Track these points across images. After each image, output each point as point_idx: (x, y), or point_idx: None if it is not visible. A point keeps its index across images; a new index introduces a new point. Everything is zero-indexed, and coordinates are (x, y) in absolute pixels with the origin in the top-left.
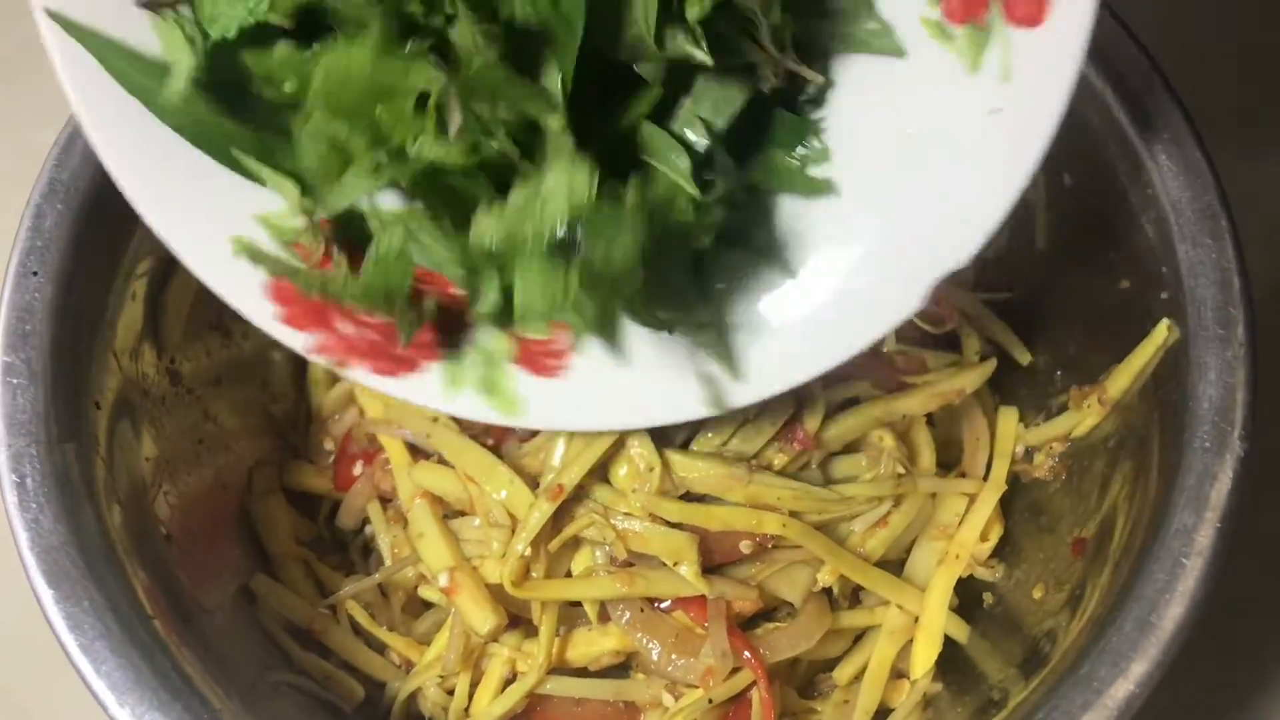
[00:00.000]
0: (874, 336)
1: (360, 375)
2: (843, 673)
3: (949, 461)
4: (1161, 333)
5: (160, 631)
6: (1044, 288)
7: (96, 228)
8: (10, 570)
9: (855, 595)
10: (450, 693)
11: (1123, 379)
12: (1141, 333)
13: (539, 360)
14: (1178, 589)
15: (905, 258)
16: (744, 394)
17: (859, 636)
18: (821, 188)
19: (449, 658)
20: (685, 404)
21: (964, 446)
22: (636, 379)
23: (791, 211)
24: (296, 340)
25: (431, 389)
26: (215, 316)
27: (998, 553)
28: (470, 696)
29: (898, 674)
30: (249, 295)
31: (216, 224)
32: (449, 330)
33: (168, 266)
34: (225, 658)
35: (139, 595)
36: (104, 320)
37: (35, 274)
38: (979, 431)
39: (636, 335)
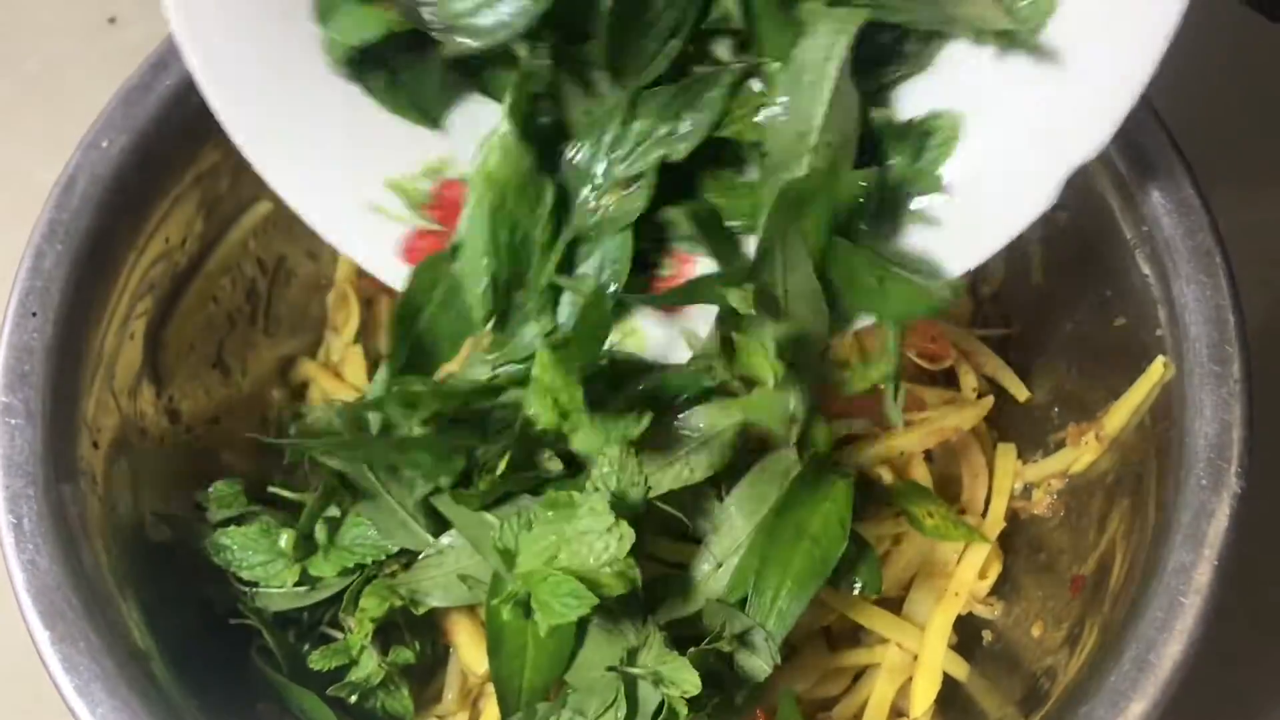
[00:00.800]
0: (1012, 233)
1: None
2: (842, 712)
3: (947, 498)
4: (1157, 370)
5: (156, 673)
6: (1041, 324)
7: (96, 268)
8: (7, 611)
9: (854, 634)
10: None
11: (1119, 416)
12: (1138, 369)
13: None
14: (1176, 627)
15: (1039, 151)
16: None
17: (858, 675)
18: None
19: (446, 697)
20: None
21: (962, 483)
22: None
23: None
24: None
25: None
26: (214, 354)
27: (996, 590)
28: None
29: (897, 713)
30: (383, 258)
31: (346, 189)
32: None
33: (167, 306)
34: (221, 693)
35: (134, 636)
36: (103, 360)
37: (34, 314)
38: (977, 468)
39: None
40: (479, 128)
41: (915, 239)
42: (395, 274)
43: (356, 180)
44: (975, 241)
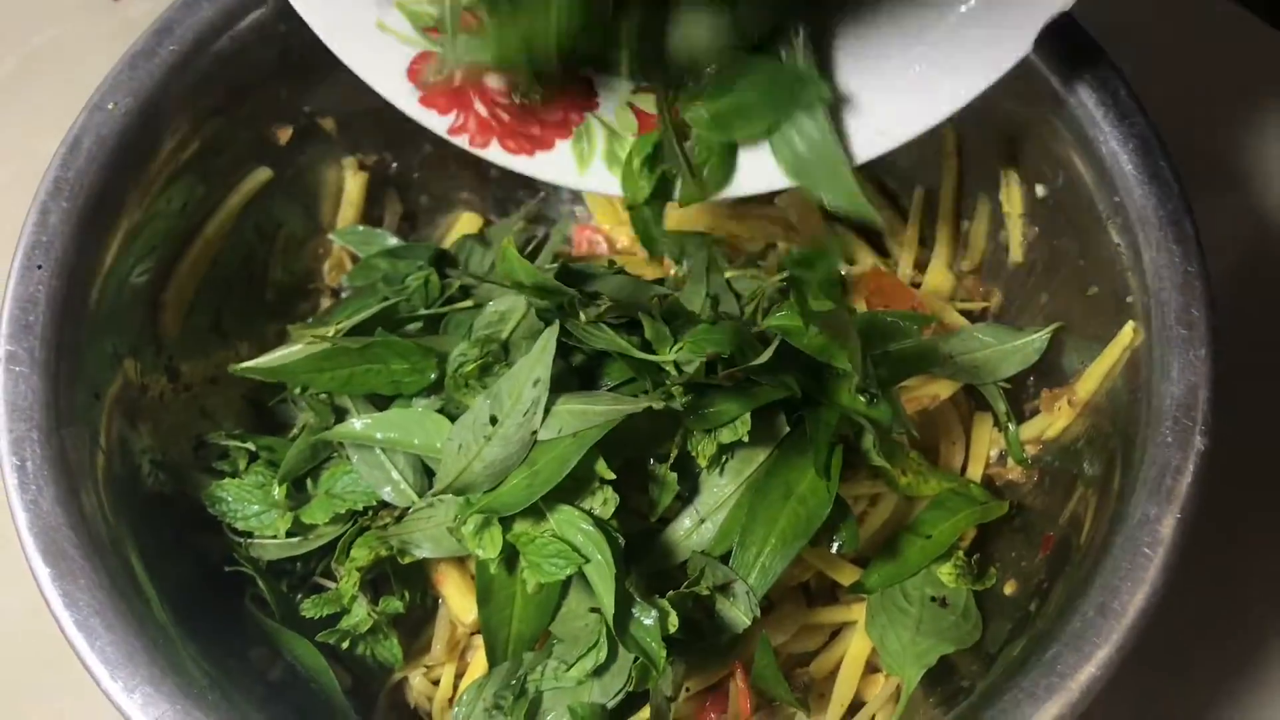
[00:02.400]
0: (986, 82)
1: (496, 155)
2: (820, 666)
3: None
4: (1127, 334)
5: (154, 610)
6: (1018, 296)
7: (99, 226)
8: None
9: (832, 592)
10: (436, 683)
11: (1091, 380)
12: (1110, 336)
13: None
14: (1140, 577)
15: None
16: (877, 145)
17: (836, 632)
18: None
19: (435, 648)
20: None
21: (939, 452)
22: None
23: None
24: (436, 122)
25: (563, 165)
26: (213, 317)
27: (972, 551)
28: (455, 687)
29: (872, 668)
30: (390, 78)
31: (358, 9)
32: (578, 109)
33: (167, 267)
34: (215, 638)
35: (135, 575)
36: (104, 315)
37: (39, 268)
38: (954, 436)
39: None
40: None
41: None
42: (400, 93)
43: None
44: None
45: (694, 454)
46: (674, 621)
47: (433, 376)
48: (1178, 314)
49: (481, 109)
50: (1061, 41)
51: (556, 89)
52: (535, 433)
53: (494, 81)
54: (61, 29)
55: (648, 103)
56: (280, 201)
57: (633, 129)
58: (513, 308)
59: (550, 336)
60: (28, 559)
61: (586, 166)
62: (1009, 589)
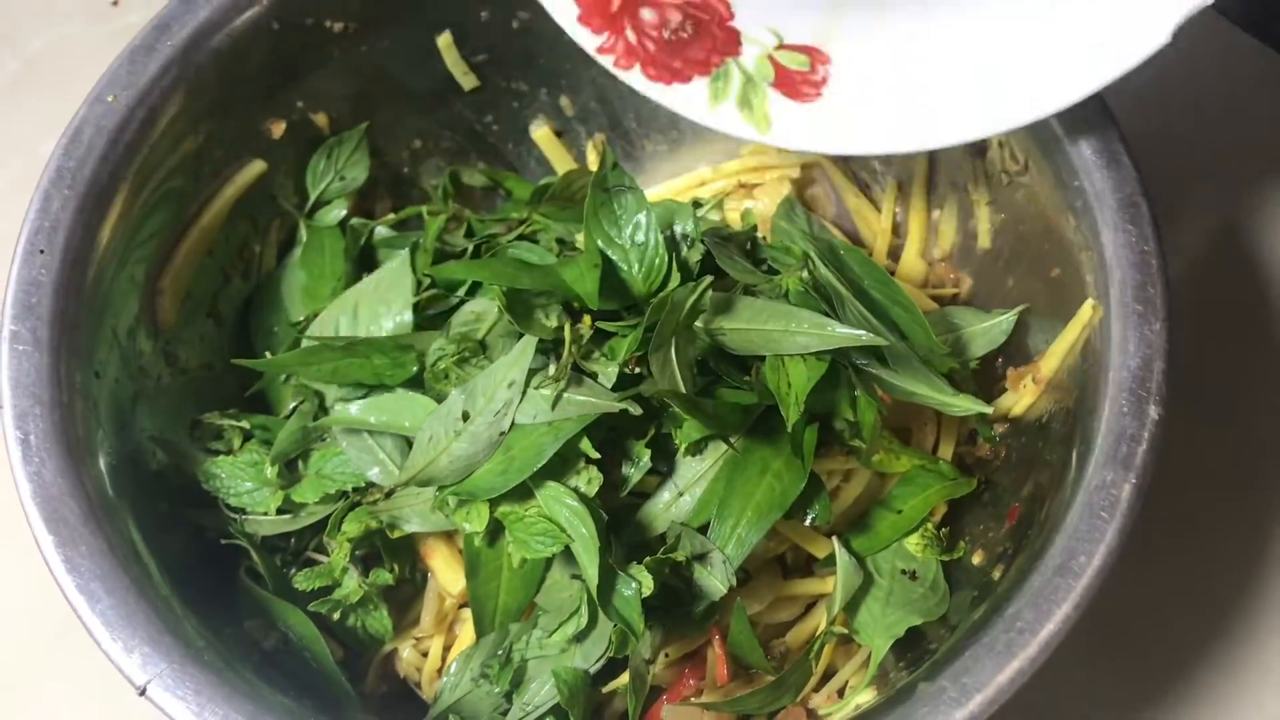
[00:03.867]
0: (1125, 68)
1: (636, 79)
2: (795, 636)
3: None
4: (1087, 311)
5: (152, 578)
6: (986, 281)
7: (98, 213)
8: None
9: (807, 566)
10: (425, 654)
11: (1054, 358)
12: (1071, 315)
13: (796, 87)
14: (1096, 538)
15: None
16: (1022, 113)
17: (811, 604)
18: None
19: (424, 619)
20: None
21: (911, 433)
22: (892, 106)
23: None
24: (587, 39)
25: (696, 100)
26: (209, 304)
27: (942, 524)
28: (443, 658)
29: (846, 639)
30: None
31: None
32: (720, 53)
33: (165, 254)
34: (212, 608)
35: (134, 545)
36: (104, 299)
37: (42, 252)
38: (925, 418)
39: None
40: None
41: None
42: (560, 6)
43: None
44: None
45: (674, 440)
46: (649, 585)
47: (414, 370)
48: (1134, 291)
49: (631, 35)
50: None
51: (706, 31)
52: (504, 434)
53: (648, 14)
54: (62, 32)
55: (790, 59)
56: (272, 195)
57: (770, 78)
58: (487, 309)
59: (529, 344)
60: (31, 527)
61: (718, 105)
62: (976, 559)
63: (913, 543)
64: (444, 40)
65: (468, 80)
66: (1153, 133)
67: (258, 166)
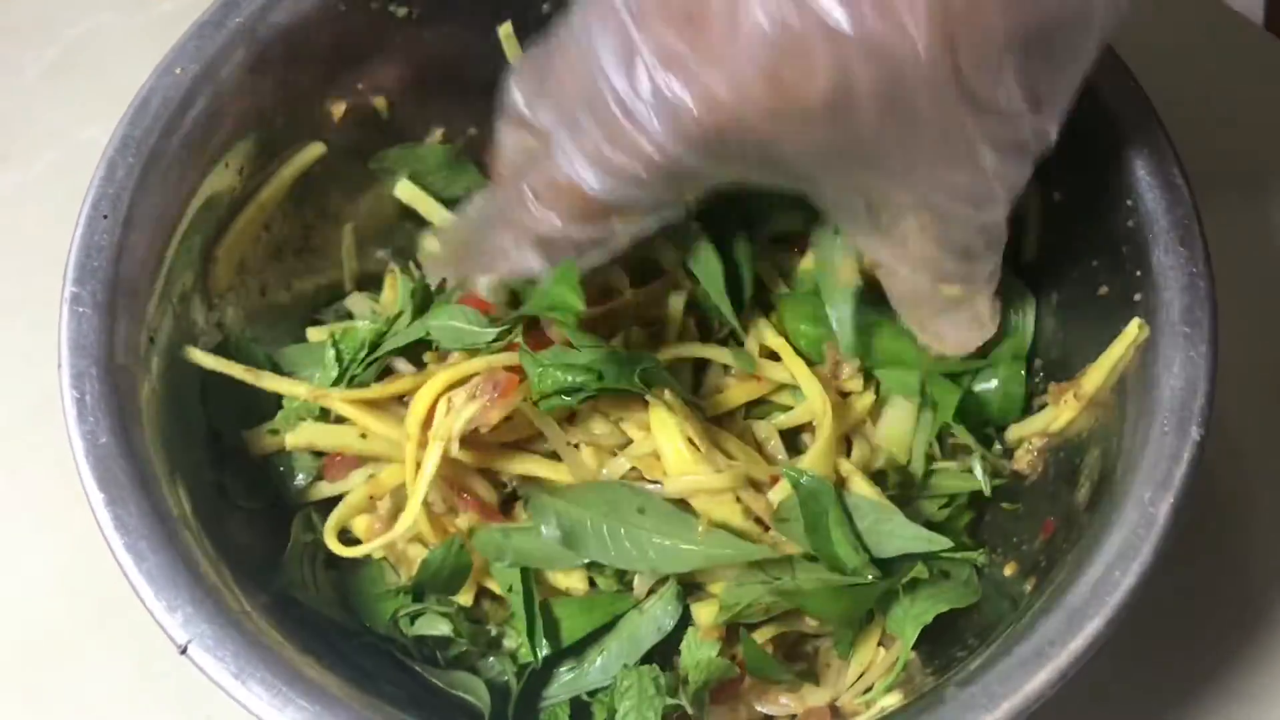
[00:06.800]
0: None
1: None
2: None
3: None
4: (1133, 331)
5: (197, 540)
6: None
7: (161, 182)
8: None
9: None
10: None
11: (1097, 375)
12: (1116, 333)
13: None
14: (1133, 556)
15: None
16: None
17: None
18: None
19: None
20: None
21: None
22: None
23: None
24: None
25: None
26: (262, 280)
27: (975, 533)
28: None
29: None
30: None
31: None
32: None
33: (222, 226)
34: (256, 568)
35: (181, 506)
36: (162, 266)
37: (105, 217)
38: None
39: None
40: None
41: None
42: None
43: None
44: None
45: None
46: None
47: None
48: (1182, 313)
49: None
50: None
51: None
52: None
53: None
54: (99, 21)
55: None
56: (330, 176)
57: None
58: None
59: None
60: (83, 485)
61: None
62: (1008, 570)
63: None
64: (505, 30)
65: None
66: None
67: (317, 149)
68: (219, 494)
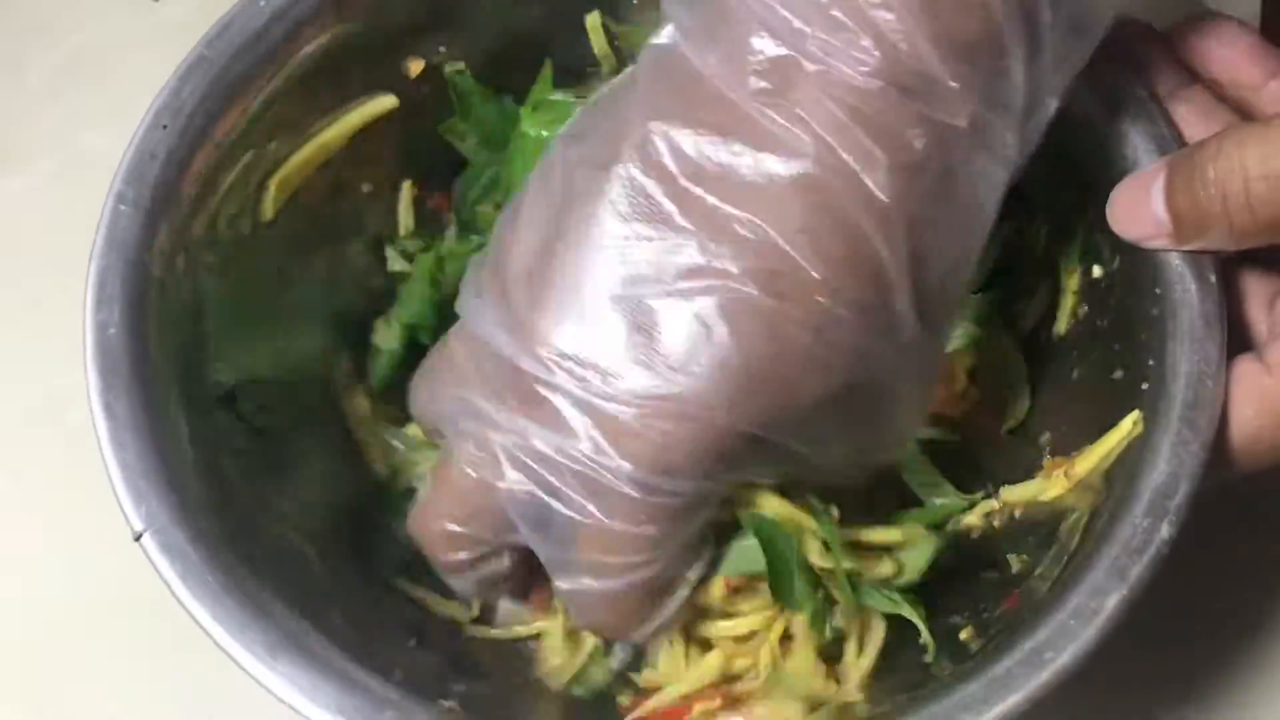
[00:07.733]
0: None
1: None
2: None
3: None
4: (1128, 425)
5: (183, 451)
6: (1052, 367)
7: (226, 103)
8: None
9: None
10: None
11: (1091, 459)
12: (1120, 419)
13: None
14: (1075, 636)
15: None
16: None
17: None
18: None
19: None
20: None
21: None
22: None
23: None
24: None
25: None
26: (308, 219)
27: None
28: None
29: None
30: None
31: None
32: None
33: (281, 158)
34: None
35: (174, 414)
36: (212, 184)
37: (165, 127)
38: None
39: None
40: None
41: None
42: None
43: None
44: None
45: None
46: None
47: None
48: (1182, 410)
49: None
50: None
51: None
52: None
53: None
54: (103, 26)
55: None
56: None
57: None
58: None
59: None
60: (86, 374)
61: None
62: (964, 635)
63: None
64: (592, 20)
65: (608, 61)
66: None
67: (389, 100)
68: (217, 406)
